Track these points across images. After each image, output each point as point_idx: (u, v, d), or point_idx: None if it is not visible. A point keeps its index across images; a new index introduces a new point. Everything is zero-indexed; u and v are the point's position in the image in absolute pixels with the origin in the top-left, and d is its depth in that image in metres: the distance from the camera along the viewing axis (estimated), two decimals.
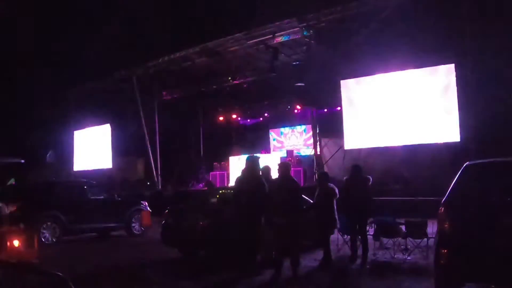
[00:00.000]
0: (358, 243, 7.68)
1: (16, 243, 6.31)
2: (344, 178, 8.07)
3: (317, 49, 15.02)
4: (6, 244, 6.26)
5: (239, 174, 7.27)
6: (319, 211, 7.46)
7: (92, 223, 11.13)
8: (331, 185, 7.63)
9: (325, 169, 15.14)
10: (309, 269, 7.05)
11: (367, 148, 15.09)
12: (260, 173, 7.09)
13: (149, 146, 20.57)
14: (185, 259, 8.24)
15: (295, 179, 7.13)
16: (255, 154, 8.06)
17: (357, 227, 7.64)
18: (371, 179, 7.77)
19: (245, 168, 7.08)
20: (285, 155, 18.25)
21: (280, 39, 15.83)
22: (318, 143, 16.10)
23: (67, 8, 22.87)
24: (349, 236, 7.87)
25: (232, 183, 16.27)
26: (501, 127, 12.03)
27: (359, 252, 7.59)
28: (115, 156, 22.38)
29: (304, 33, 14.70)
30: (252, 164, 7.05)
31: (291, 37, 15.84)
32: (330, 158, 16.14)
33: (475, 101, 12.40)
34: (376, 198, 8.75)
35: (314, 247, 7.98)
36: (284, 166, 6.94)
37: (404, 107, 14.16)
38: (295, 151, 19.78)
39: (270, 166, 7.61)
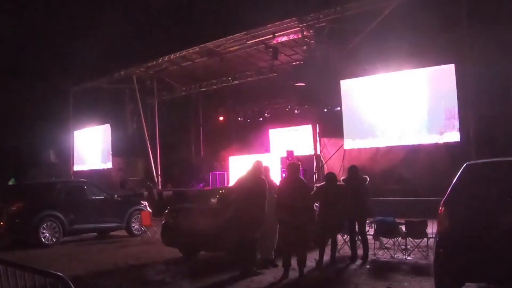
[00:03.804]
0: (358, 243, 7.69)
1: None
2: (341, 178, 8.07)
3: (317, 49, 15.02)
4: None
5: (240, 174, 7.30)
6: (329, 211, 7.35)
7: (92, 223, 11.14)
8: (340, 183, 7.62)
9: (325, 169, 15.15)
10: (309, 269, 7.05)
11: (367, 148, 15.08)
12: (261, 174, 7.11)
13: (149, 146, 20.56)
14: (185, 259, 8.24)
15: (304, 179, 7.14)
16: (258, 159, 8.05)
17: (357, 227, 7.64)
18: (368, 179, 7.77)
19: (250, 169, 7.12)
20: (285, 155, 18.22)
21: (280, 39, 15.83)
22: (318, 143, 16.08)
23: (68, 7, 22.89)
24: (349, 236, 7.86)
25: (232, 183, 16.26)
26: (501, 127, 12.02)
27: (359, 252, 7.59)
28: (115, 156, 22.37)
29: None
30: (256, 165, 7.11)
31: (291, 37, 15.84)
32: (330, 158, 16.13)
33: (475, 101, 12.39)
34: (376, 198, 8.75)
35: (314, 247, 7.97)
36: (293, 167, 6.96)
37: (404, 107, 14.14)
38: (294, 151, 19.73)
39: (269, 166, 7.62)
